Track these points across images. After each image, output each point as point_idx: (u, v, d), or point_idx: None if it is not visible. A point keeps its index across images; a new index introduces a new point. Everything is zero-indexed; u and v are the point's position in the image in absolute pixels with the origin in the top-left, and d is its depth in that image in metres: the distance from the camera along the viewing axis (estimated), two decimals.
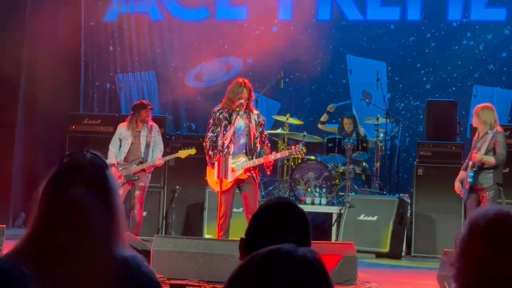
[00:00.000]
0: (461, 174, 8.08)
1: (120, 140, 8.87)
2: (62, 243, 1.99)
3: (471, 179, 7.82)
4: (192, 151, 8.96)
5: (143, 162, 8.77)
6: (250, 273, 1.41)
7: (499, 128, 7.93)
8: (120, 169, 8.70)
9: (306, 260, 1.40)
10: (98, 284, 1.99)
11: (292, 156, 10.32)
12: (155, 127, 9.01)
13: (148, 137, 8.83)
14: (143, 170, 8.76)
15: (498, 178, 7.89)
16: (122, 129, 8.91)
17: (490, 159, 7.78)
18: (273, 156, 7.84)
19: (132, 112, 8.95)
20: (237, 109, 7.55)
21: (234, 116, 7.57)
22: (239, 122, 7.63)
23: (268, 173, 8.26)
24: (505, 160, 7.90)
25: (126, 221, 2.28)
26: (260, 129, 7.74)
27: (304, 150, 8.08)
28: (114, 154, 8.80)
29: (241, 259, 2.27)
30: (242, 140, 7.66)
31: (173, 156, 8.98)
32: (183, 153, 8.97)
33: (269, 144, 7.92)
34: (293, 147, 8.27)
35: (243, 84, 7.62)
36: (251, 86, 7.77)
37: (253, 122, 7.67)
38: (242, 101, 7.54)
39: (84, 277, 1.98)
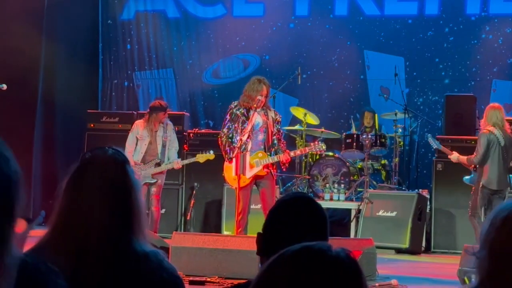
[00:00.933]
0: None
1: (137, 139, 8.83)
2: (83, 240, 2.00)
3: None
4: (211, 156, 8.89)
5: (160, 163, 8.75)
6: (280, 270, 1.37)
7: (484, 129, 8.11)
8: (137, 170, 8.63)
9: (340, 260, 1.36)
10: (117, 276, 1.99)
11: (311, 152, 10.34)
12: (170, 125, 8.98)
13: (164, 137, 8.81)
14: (161, 172, 8.79)
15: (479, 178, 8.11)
16: (139, 128, 8.85)
17: (463, 159, 8.26)
18: (293, 153, 7.87)
19: (149, 112, 8.89)
20: (255, 105, 7.54)
21: (251, 112, 7.56)
22: (257, 118, 7.62)
23: (284, 170, 8.25)
24: (480, 161, 8.08)
25: (147, 217, 2.28)
26: (277, 126, 7.75)
27: (324, 147, 8.07)
28: (132, 154, 8.72)
29: (258, 254, 2.27)
30: (260, 136, 7.66)
31: (192, 160, 8.93)
32: (201, 158, 8.89)
33: (284, 142, 7.91)
34: (312, 144, 8.26)
35: (262, 81, 7.63)
36: (268, 83, 7.78)
37: (270, 119, 7.67)
38: (260, 97, 7.53)
39: (104, 269, 1.99)
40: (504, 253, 1.79)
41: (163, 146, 8.80)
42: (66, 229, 2.02)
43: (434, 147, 9.12)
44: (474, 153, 8.14)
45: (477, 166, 8.14)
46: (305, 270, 1.34)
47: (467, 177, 8.56)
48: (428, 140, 9.11)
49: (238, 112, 7.61)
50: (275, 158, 7.60)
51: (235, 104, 7.71)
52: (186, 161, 8.99)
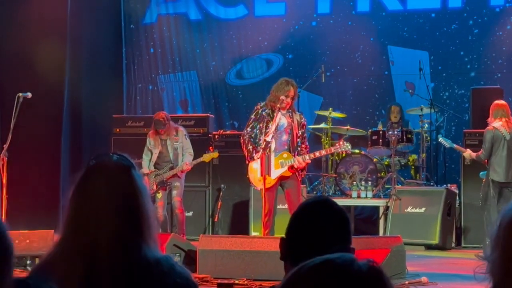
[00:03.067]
0: None
1: (150, 150, 9.12)
2: (92, 248, 1.98)
3: None
4: (215, 154, 9.32)
5: (174, 167, 8.98)
6: (302, 285, 1.33)
7: (489, 126, 8.40)
8: (153, 176, 8.96)
9: (363, 274, 1.32)
10: (129, 284, 1.98)
11: (336, 152, 10.29)
12: (181, 131, 9.17)
13: (174, 142, 9.05)
14: (176, 175, 8.95)
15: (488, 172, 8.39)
16: (150, 139, 9.14)
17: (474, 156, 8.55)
18: (318, 153, 7.85)
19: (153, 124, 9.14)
20: (279, 105, 7.51)
21: (276, 113, 7.54)
22: (281, 119, 7.60)
23: (301, 176, 8.27)
24: (486, 156, 8.36)
25: (157, 222, 2.26)
26: (302, 130, 7.73)
27: (349, 147, 8.03)
28: (146, 164, 9.05)
29: (282, 259, 2.25)
30: (285, 137, 7.64)
31: (199, 160, 9.13)
32: (207, 157, 9.22)
33: (308, 146, 7.89)
34: (337, 144, 8.21)
35: (290, 82, 7.61)
36: (296, 85, 7.77)
37: (295, 121, 7.65)
38: (285, 98, 7.50)
39: (115, 277, 1.97)
40: (506, 255, 1.77)
41: (175, 151, 9.04)
42: (75, 238, 2.00)
43: (447, 147, 9.12)
44: (481, 150, 8.46)
45: (487, 160, 8.43)
46: (327, 285, 1.30)
47: (483, 172, 8.68)
48: (439, 141, 9.19)
49: (264, 113, 7.59)
50: (300, 160, 7.57)
51: (262, 105, 7.70)
52: (193, 162, 9.10)
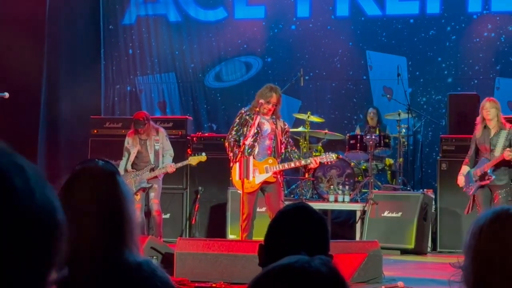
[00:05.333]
0: (464, 169, 8.06)
1: (128, 149, 8.99)
2: (74, 251, 2.00)
3: (494, 176, 7.79)
4: (203, 157, 9.01)
5: (155, 168, 8.86)
6: None
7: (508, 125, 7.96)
8: (132, 176, 8.82)
9: (320, 275, 1.38)
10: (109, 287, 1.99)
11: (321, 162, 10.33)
12: (162, 131, 9.06)
13: (155, 142, 8.91)
14: (156, 177, 8.86)
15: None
16: (128, 138, 9.02)
17: None
18: (304, 161, 7.91)
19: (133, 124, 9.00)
20: (260, 110, 7.55)
21: (254, 116, 7.58)
22: (265, 125, 7.66)
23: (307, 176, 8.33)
24: None
25: (139, 227, 2.29)
26: (285, 136, 7.80)
27: (334, 157, 8.13)
28: (123, 163, 8.92)
29: (260, 265, 2.26)
30: (267, 142, 7.71)
31: (185, 162, 9.00)
32: (194, 160, 9.01)
33: (297, 151, 8.00)
34: (325, 156, 8.29)
35: (273, 89, 7.65)
36: (281, 93, 7.80)
37: (279, 128, 7.71)
38: (268, 105, 7.56)
39: (96, 281, 1.98)
40: (485, 261, 1.81)
41: (155, 152, 8.90)
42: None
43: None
44: None
45: None
46: None
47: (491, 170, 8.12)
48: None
49: (247, 117, 7.64)
50: (285, 165, 7.66)
51: (246, 109, 7.76)
52: (179, 164, 8.98)
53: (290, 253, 2.14)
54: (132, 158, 8.93)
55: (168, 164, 8.88)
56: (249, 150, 7.55)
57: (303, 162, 7.83)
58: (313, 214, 2.26)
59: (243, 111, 7.75)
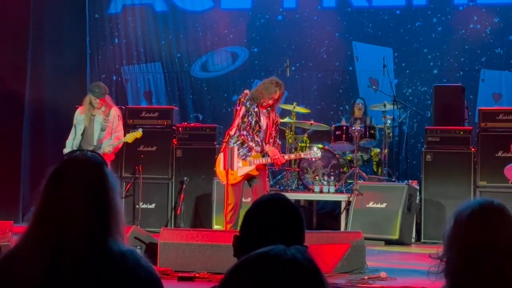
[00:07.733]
0: None
1: (75, 126, 8.39)
2: (59, 240, 2.02)
3: None
4: (139, 133, 8.51)
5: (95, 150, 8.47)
6: (239, 280, 1.39)
7: None
8: None
9: (296, 262, 1.38)
10: (93, 276, 2.01)
11: (300, 146, 10.36)
12: (115, 109, 8.49)
13: (103, 121, 8.29)
14: None
15: None
16: (77, 113, 8.41)
17: None
18: (287, 156, 7.90)
19: (89, 93, 8.38)
20: (262, 103, 7.57)
21: (257, 109, 7.64)
22: (263, 118, 7.69)
23: (276, 169, 8.30)
24: None
25: (125, 217, 2.31)
26: (275, 127, 7.82)
27: (319, 154, 8.15)
28: (69, 144, 8.37)
29: (235, 256, 2.26)
30: (261, 136, 7.73)
31: (121, 141, 8.48)
32: (130, 137, 8.47)
33: (279, 143, 7.95)
34: (309, 152, 8.32)
35: (279, 84, 7.61)
36: (284, 90, 7.78)
37: (271, 119, 7.72)
38: (269, 100, 7.56)
39: (80, 269, 2.00)
40: (471, 252, 1.80)
41: (102, 131, 8.30)
42: (43, 229, 2.06)
43: None
44: None
45: None
46: (264, 277, 1.36)
47: None
48: None
49: (251, 109, 7.58)
50: (269, 160, 7.65)
51: (248, 97, 7.57)
52: (114, 143, 8.33)
53: (265, 244, 2.15)
54: (79, 136, 8.33)
55: (106, 145, 8.27)
56: (257, 148, 7.58)
57: (286, 157, 7.88)
58: (288, 205, 2.26)
59: (246, 99, 7.54)
